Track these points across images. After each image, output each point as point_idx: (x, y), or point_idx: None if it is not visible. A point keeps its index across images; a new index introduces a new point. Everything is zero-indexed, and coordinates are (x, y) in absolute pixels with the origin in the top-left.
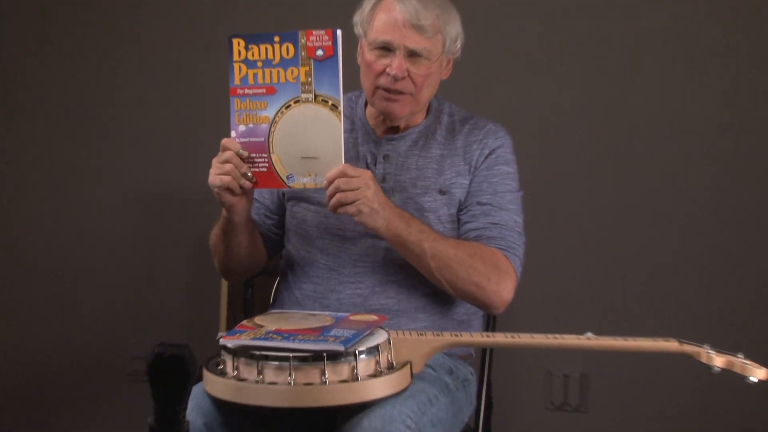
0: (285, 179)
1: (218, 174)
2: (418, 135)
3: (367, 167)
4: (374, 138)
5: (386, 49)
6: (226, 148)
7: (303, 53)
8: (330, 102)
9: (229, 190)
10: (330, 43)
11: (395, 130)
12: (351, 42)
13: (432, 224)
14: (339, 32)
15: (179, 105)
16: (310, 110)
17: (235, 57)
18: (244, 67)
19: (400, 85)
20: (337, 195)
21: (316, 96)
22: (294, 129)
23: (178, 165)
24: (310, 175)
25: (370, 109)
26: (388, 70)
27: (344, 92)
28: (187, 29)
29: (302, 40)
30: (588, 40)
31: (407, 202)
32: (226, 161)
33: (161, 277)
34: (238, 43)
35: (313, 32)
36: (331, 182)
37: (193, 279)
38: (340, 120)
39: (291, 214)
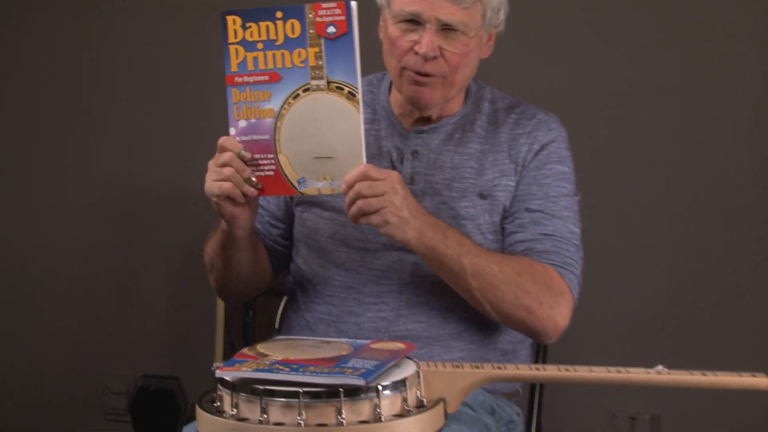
0: (296, 184)
1: (216, 180)
2: (454, 126)
3: (392, 166)
4: (401, 130)
5: (414, 22)
6: (224, 149)
7: (311, 31)
8: (346, 89)
9: (229, 198)
10: (343, 18)
11: (426, 120)
12: (372, 14)
13: (471, 234)
14: (354, 4)
15: (168, 93)
16: (323, 100)
17: (231, 38)
18: (241, 50)
19: (431, 66)
20: (359, 202)
21: (329, 82)
22: (304, 123)
23: (166, 161)
24: (325, 178)
25: (395, 95)
26: (416, 48)
27: (363, 75)
28: (174, 4)
29: (310, 16)
30: (664, 6)
31: (440, 208)
32: (226, 164)
33: (144, 295)
34: (234, 22)
35: (323, 5)
36: (351, 187)
37: (183, 297)
38: (359, 110)
39: (300, 221)
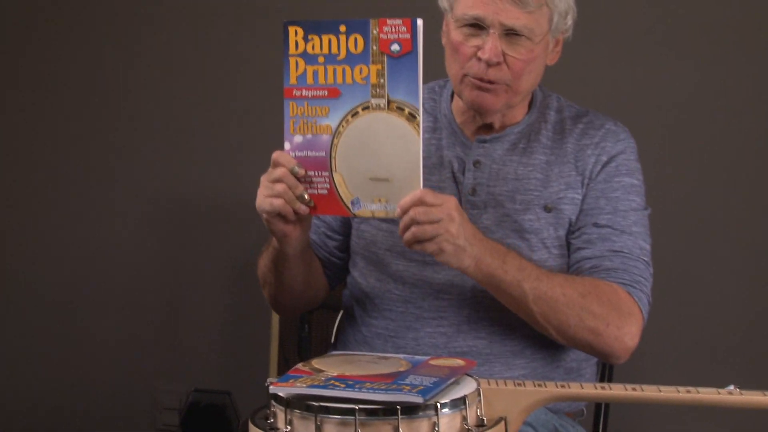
0: (349, 205)
1: (268, 196)
2: (518, 136)
3: (453, 176)
4: (462, 139)
5: (477, 26)
6: (278, 164)
7: (375, 47)
8: (407, 110)
9: (281, 216)
10: (408, 36)
11: (489, 129)
12: (433, 24)
13: (534, 249)
14: (420, 22)
15: (223, 101)
16: (382, 120)
17: (292, 49)
18: (302, 63)
19: (494, 72)
20: (413, 229)
21: (389, 102)
22: (362, 143)
23: (219, 170)
24: (380, 200)
25: (457, 103)
26: (479, 53)
27: (424, 82)
28: (232, 10)
29: (374, 31)
30: (733, 11)
31: (503, 221)
32: (278, 180)
33: (196, 307)
34: (296, 33)
35: (388, 21)
36: (405, 212)
37: (236, 310)
38: (419, 133)
39: (358, 233)
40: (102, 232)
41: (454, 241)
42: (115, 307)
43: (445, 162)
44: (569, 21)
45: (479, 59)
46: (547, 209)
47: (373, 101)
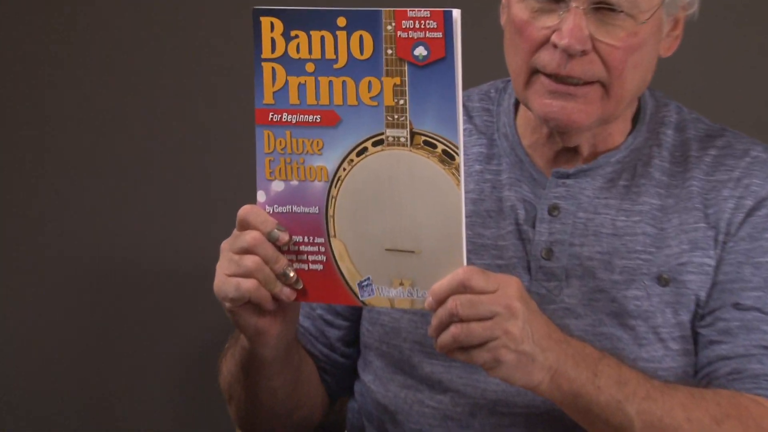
0: (356, 289)
1: (233, 275)
2: (618, 168)
3: (517, 230)
4: (533, 172)
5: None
6: (247, 225)
7: (390, 51)
8: (440, 147)
9: (252, 305)
10: (440, 35)
11: (573, 156)
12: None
13: (643, 343)
14: (457, 14)
15: (175, 123)
16: (404, 161)
17: (266, 52)
18: (281, 72)
19: (579, 66)
20: (453, 329)
21: (413, 134)
22: (373, 195)
23: (163, 226)
24: (402, 283)
25: (525, 116)
26: (554, 38)
27: (474, 84)
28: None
29: (389, 27)
30: None
31: (595, 300)
32: (248, 251)
33: (131, 415)
34: (272, 27)
35: (409, 13)
36: (441, 302)
37: (186, 421)
38: (460, 182)
39: (371, 319)
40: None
41: (516, 346)
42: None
43: (506, 208)
44: None
45: (555, 46)
46: (662, 281)
47: (390, 133)
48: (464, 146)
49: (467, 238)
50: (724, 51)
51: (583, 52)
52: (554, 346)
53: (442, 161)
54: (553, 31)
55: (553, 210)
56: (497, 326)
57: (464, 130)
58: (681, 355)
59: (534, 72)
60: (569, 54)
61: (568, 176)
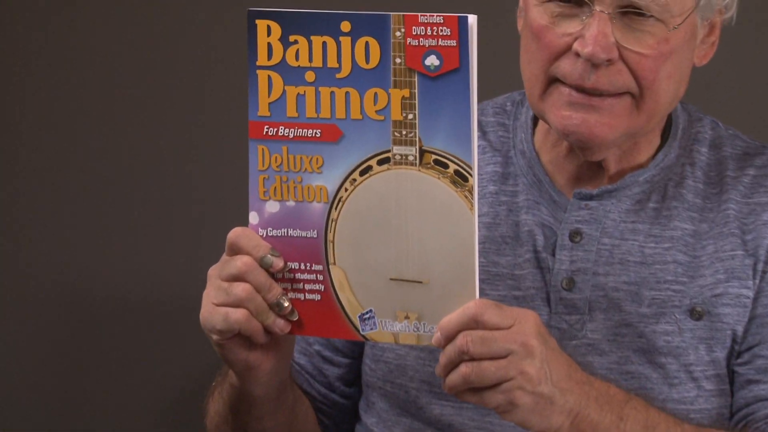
0: (356, 322)
1: (221, 305)
2: (647, 188)
3: (536, 258)
4: (553, 193)
5: (573, 2)
6: (237, 249)
7: (399, 60)
8: (452, 166)
9: (242, 338)
10: (454, 43)
11: (596, 173)
12: (492, 17)
13: (674, 382)
14: (473, 20)
15: (158, 134)
16: (412, 182)
17: (261, 59)
18: (278, 81)
19: (604, 77)
20: (463, 368)
21: (423, 152)
22: (378, 219)
23: (146, 250)
24: (407, 316)
25: (544, 131)
26: (577, 45)
27: (489, 97)
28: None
29: (398, 33)
30: None
31: (621, 335)
32: (238, 278)
33: None
34: (268, 30)
35: (420, 18)
36: (450, 338)
37: None
38: (473, 205)
39: (373, 356)
40: None
41: (533, 388)
42: None
43: (523, 234)
44: None
45: (577, 55)
46: (695, 314)
47: (397, 150)
48: (478, 165)
49: (480, 266)
50: (765, 59)
51: (609, 62)
52: (575, 387)
53: (453, 182)
54: (575, 39)
55: (574, 236)
56: (512, 366)
57: (478, 147)
58: (715, 395)
59: (552, 81)
60: (593, 63)
61: (591, 198)
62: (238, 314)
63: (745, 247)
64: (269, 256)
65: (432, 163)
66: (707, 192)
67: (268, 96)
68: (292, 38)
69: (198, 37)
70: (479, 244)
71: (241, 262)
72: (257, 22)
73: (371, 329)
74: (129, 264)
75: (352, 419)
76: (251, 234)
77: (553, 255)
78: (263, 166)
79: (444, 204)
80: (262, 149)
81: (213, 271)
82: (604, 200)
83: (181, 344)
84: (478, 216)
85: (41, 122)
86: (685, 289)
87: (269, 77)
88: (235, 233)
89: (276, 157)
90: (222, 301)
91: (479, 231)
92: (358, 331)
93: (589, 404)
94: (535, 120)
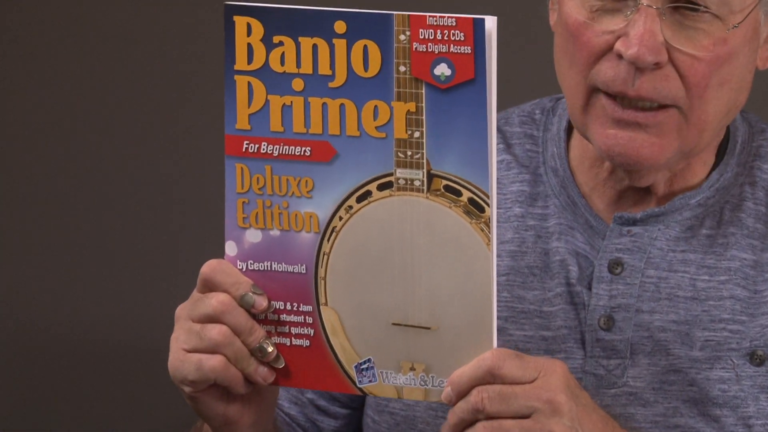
0: (352, 373)
1: (192, 350)
2: (699, 212)
3: (569, 293)
4: (590, 218)
5: None
6: (213, 286)
7: (403, 68)
8: (465, 194)
9: (218, 388)
10: (468, 50)
11: (642, 196)
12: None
13: None
14: (491, 23)
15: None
16: (419, 210)
17: (240, 62)
18: (259, 89)
19: (650, 83)
20: (480, 427)
21: (432, 177)
22: (378, 254)
23: (104, 290)
24: (413, 368)
25: (580, 144)
26: (619, 46)
27: (514, 102)
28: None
29: (402, 36)
30: None
31: (669, 381)
32: (213, 319)
33: None
34: (248, 29)
35: (429, 19)
36: (462, 394)
37: None
38: (490, 240)
39: (377, 407)
40: None
41: None
42: None
43: (554, 264)
44: None
45: (620, 57)
46: (755, 359)
47: (401, 174)
48: (502, 183)
49: (504, 302)
50: None
51: (656, 65)
52: None
53: (467, 213)
54: (618, 37)
55: (614, 267)
56: (537, 426)
57: (501, 162)
58: None
59: (594, 91)
60: (638, 67)
61: (634, 223)
62: (213, 361)
63: None
64: (250, 294)
65: (442, 190)
66: None
67: (248, 106)
68: (276, 39)
69: (169, 39)
70: (502, 275)
71: (216, 301)
72: (235, 19)
73: (370, 382)
74: (88, 305)
75: None
76: (228, 268)
77: (590, 289)
78: (242, 188)
79: (456, 238)
80: (241, 168)
81: (182, 311)
82: (650, 226)
83: (150, 396)
84: (502, 242)
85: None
86: (745, 330)
87: (249, 84)
88: (209, 267)
89: (258, 178)
90: (194, 346)
91: (502, 260)
92: (355, 383)
93: None
94: (569, 131)
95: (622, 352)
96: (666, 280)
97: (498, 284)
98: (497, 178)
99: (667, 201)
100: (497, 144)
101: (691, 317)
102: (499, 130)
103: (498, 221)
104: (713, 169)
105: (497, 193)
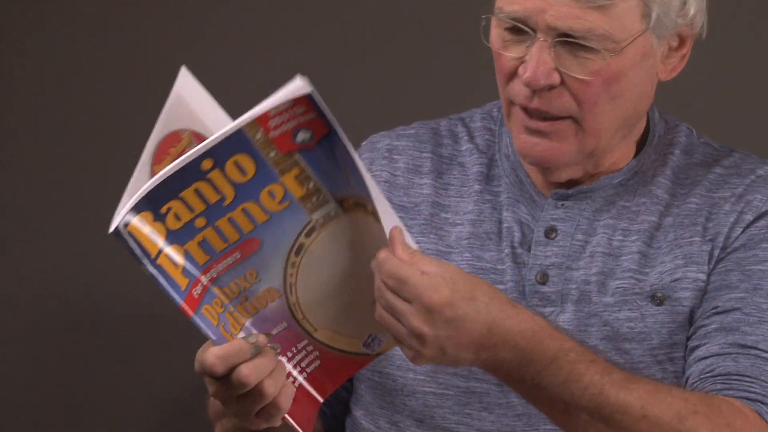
0: (363, 351)
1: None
2: (619, 190)
3: (513, 253)
4: (533, 193)
5: (520, 31)
6: (212, 369)
7: (273, 153)
8: (368, 205)
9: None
10: (313, 115)
11: (575, 181)
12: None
13: (638, 364)
14: (311, 89)
15: None
16: (344, 228)
17: (152, 251)
18: (178, 253)
19: (547, 100)
20: (380, 307)
21: (340, 201)
22: (331, 273)
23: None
24: None
25: None
26: (520, 71)
27: (478, 104)
28: None
29: (258, 136)
30: None
31: (589, 324)
32: (235, 385)
33: None
34: (141, 223)
35: (271, 112)
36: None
37: None
38: (382, 226)
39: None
40: None
41: (430, 352)
42: None
43: (503, 230)
44: (691, 9)
45: (520, 78)
46: (656, 300)
47: (317, 216)
48: (466, 166)
49: (466, 261)
50: (734, 65)
51: (551, 87)
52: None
53: (375, 216)
54: (522, 62)
55: (550, 232)
56: (405, 320)
57: (465, 150)
58: (680, 376)
59: (511, 103)
60: (532, 88)
61: (567, 197)
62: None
63: (705, 234)
64: (250, 343)
65: (352, 205)
66: (675, 190)
67: (180, 276)
68: (164, 209)
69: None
70: (465, 239)
71: (237, 381)
72: (129, 229)
73: (379, 346)
74: (113, 273)
75: (343, 413)
76: (226, 350)
77: (529, 251)
78: (216, 321)
79: (378, 231)
80: (207, 310)
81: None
82: (579, 200)
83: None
84: (465, 213)
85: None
86: (646, 278)
87: (168, 256)
88: (204, 357)
89: (217, 302)
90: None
91: (464, 227)
92: (369, 355)
93: (500, 367)
94: None
95: (555, 302)
96: (590, 242)
97: (461, 246)
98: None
99: (595, 180)
100: (463, 136)
101: (606, 270)
102: (464, 125)
103: (461, 196)
104: (633, 158)
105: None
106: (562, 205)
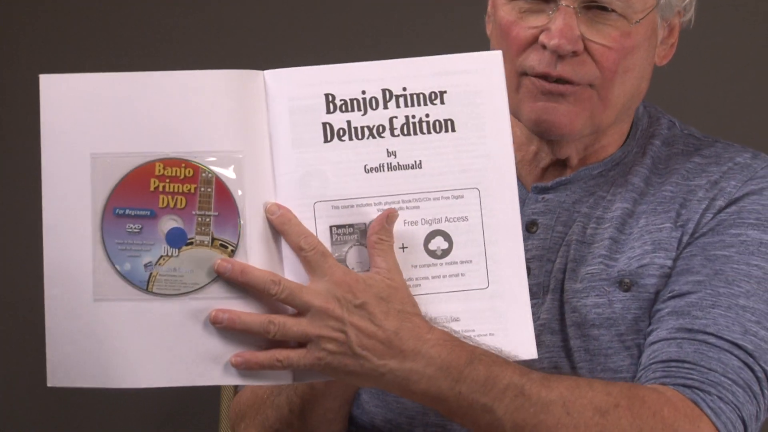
0: None
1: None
2: (599, 181)
3: None
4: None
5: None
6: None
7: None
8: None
9: None
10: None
11: (560, 171)
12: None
13: (607, 350)
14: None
15: None
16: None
17: None
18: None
19: (570, 67)
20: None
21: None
22: None
23: None
24: None
25: (513, 132)
26: (543, 38)
27: None
28: None
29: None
30: None
31: (562, 311)
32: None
33: None
34: None
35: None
36: None
37: None
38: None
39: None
40: None
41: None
42: None
43: None
44: None
45: (544, 47)
46: (623, 286)
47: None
48: None
49: None
50: (725, 58)
51: (574, 53)
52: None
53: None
54: (542, 31)
55: (531, 226)
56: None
57: None
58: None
59: (523, 75)
60: (559, 55)
61: (547, 190)
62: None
63: (677, 220)
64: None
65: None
66: (651, 179)
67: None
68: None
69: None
70: None
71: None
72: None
73: None
74: None
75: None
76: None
77: None
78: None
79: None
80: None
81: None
82: (559, 192)
83: None
84: None
85: None
86: (614, 263)
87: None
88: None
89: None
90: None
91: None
92: None
93: (418, 379)
94: None
95: (536, 293)
96: (567, 232)
97: None
98: None
99: (581, 168)
100: None
101: (579, 257)
102: None
103: None
104: (619, 149)
105: None
106: (543, 198)
